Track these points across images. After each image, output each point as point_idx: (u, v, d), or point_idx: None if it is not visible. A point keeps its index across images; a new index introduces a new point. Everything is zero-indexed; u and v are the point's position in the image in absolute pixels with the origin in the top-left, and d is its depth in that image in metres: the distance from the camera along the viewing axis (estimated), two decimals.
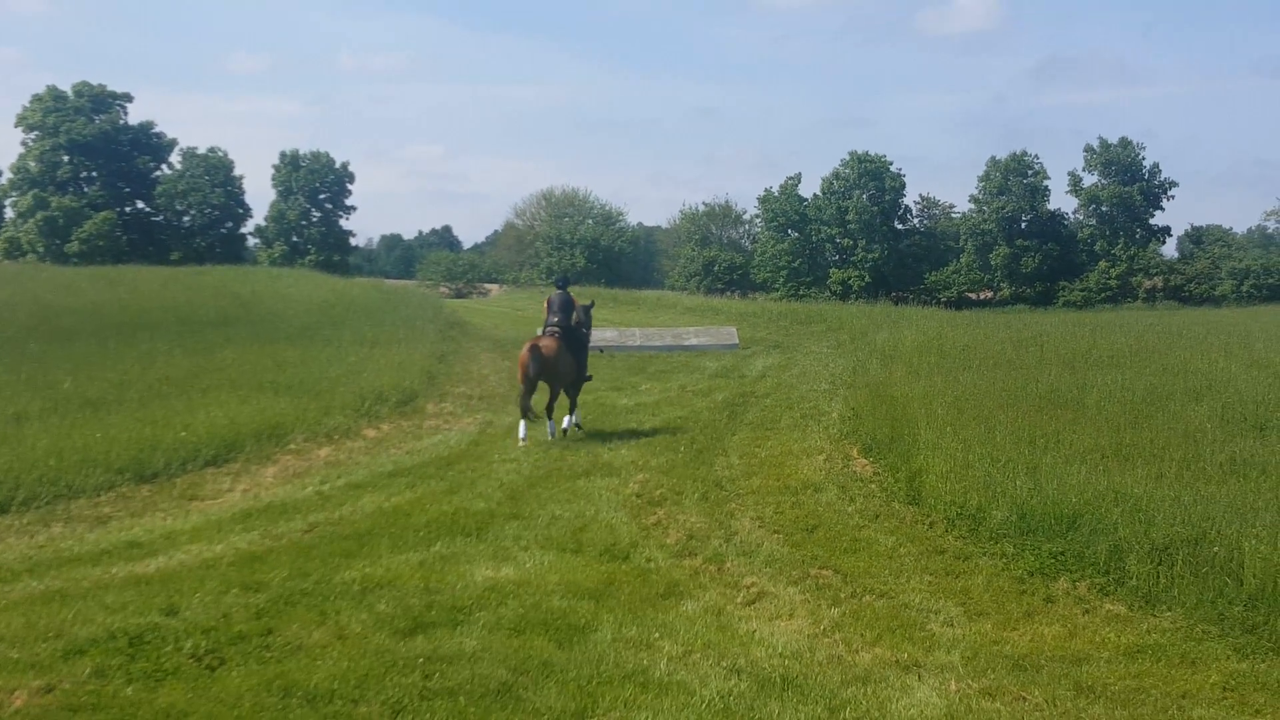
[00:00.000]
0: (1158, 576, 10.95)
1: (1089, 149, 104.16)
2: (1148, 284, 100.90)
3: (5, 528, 13.38)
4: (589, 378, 22.15)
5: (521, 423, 19.69)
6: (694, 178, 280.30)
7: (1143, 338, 29.13)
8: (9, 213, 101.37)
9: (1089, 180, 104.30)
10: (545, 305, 21.90)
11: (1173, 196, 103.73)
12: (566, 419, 20.60)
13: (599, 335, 35.93)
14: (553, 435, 20.01)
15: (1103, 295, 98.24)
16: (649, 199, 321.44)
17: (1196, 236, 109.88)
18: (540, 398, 20.30)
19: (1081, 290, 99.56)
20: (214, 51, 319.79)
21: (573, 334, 21.19)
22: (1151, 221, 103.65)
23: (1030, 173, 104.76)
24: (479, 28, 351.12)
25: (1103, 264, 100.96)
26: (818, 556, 12.44)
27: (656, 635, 9.69)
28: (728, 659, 9.18)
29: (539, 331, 21.18)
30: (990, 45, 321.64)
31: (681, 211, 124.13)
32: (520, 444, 19.30)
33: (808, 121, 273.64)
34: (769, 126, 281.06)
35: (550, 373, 20.02)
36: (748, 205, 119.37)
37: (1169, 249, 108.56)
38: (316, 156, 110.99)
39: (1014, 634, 10.05)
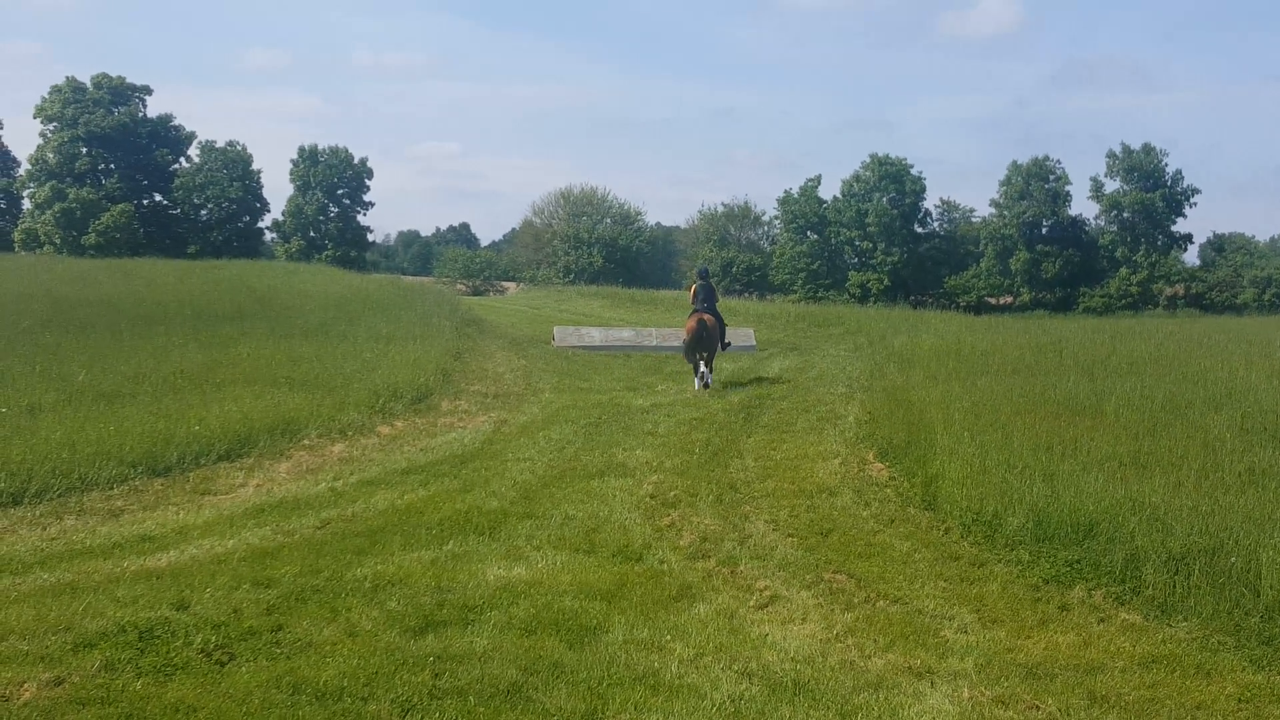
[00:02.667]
0: (1174, 586, 10.86)
1: (1111, 155, 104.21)
2: (1169, 291, 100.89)
3: (18, 519, 13.38)
4: (728, 345, 29.01)
5: (696, 377, 26.21)
6: (711, 179, 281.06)
7: (1163, 345, 29.01)
8: (26, 204, 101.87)
9: (1111, 186, 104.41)
10: (692, 294, 28.24)
11: (1195, 204, 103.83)
12: (702, 378, 26.10)
13: (618, 334, 35.98)
14: (709, 385, 25.95)
15: (1123, 302, 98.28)
16: (666, 199, 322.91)
17: (1218, 244, 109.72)
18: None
19: (1102, 296, 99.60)
20: (232, 46, 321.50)
21: (716, 314, 27.31)
22: (1173, 228, 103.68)
23: (1052, 178, 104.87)
24: (496, 26, 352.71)
25: (1124, 271, 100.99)
26: (831, 561, 12.37)
27: (668, 637, 9.65)
28: (739, 662, 9.13)
29: (695, 307, 27.17)
30: (1011, 49, 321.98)
31: (700, 212, 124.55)
32: (697, 390, 25.72)
33: (826, 124, 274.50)
34: (787, 128, 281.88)
35: (709, 340, 26.23)
36: (766, 207, 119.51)
37: (1191, 256, 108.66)
38: (335, 152, 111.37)
39: (1028, 642, 9.96)
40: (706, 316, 26.36)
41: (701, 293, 27.57)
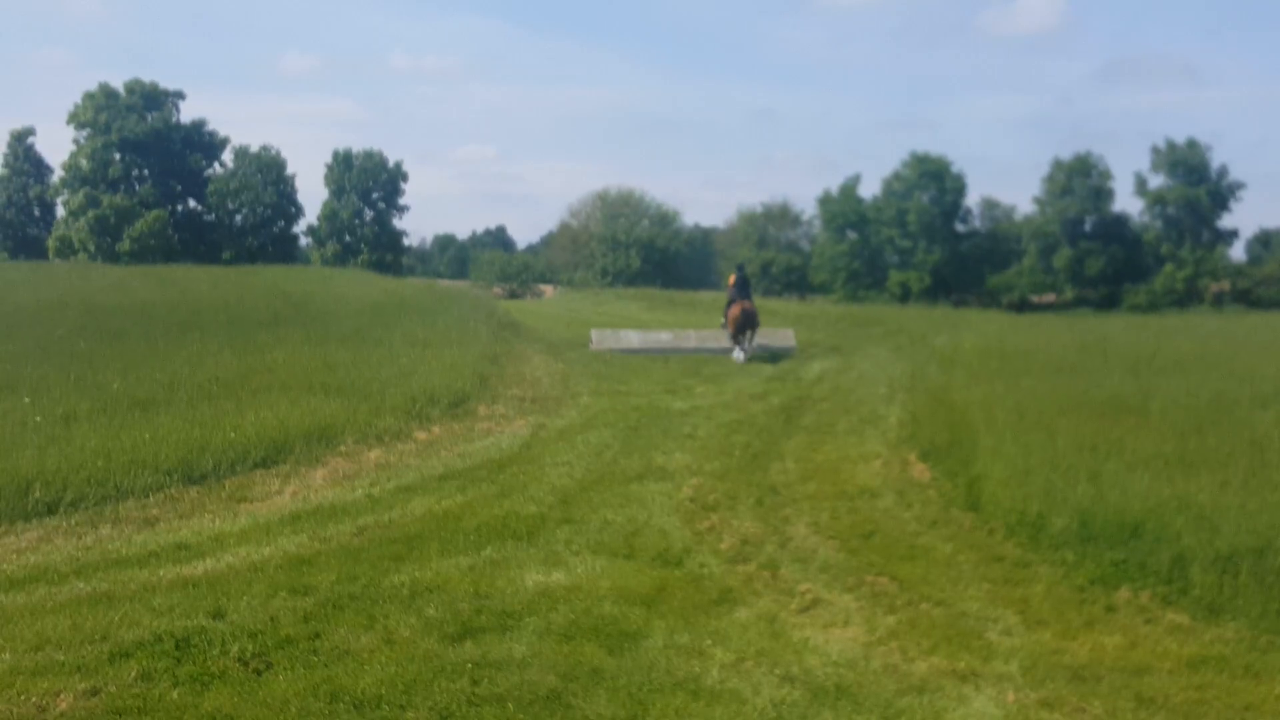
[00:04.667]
0: (1222, 586, 10.76)
1: (1155, 150, 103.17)
2: (1215, 287, 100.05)
3: (53, 529, 13.37)
4: (758, 324, 34.01)
5: (739, 352, 32.70)
6: (750, 180, 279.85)
7: (1209, 342, 28.80)
8: (60, 211, 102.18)
9: (1155, 182, 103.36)
10: (730, 284, 35.41)
11: (1241, 199, 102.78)
12: (743, 352, 32.75)
13: (656, 337, 35.92)
14: (745, 359, 32.38)
15: (1169, 299, 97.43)
16: (704, 200, 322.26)
17: (1266, 239, 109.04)
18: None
19: (1147, 293, 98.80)
20: (267, 51, 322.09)
21: (751, 301, 34.01)
22: (1219, 224, 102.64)
23: (1095, 174, 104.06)
24: (533, 28, 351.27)
25: (1169, 267, 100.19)
26: (874, 563, 12.29)
27: (709, 642, 9.59)
28: (781, 667, 9.08)
29: (734, 295, 34.29)
30: (1054, 46, 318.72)
31: (739, 212, 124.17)
32: (740, 361, 32.19)
33: (867, 123, 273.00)
34: (827, 128, 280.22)
35: (752, 323, 33.00)
36: (806, 207, 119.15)
37: (1237, 252, 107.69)
38: (369, 156, 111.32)
39: (1074, 644, 9.87)
40: (748, 305, 33.32)
41: (739, 284, 34.65)
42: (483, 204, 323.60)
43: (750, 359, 31.65)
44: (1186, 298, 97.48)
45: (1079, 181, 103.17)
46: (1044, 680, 8.98)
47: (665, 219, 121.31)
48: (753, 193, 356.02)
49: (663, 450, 18.64)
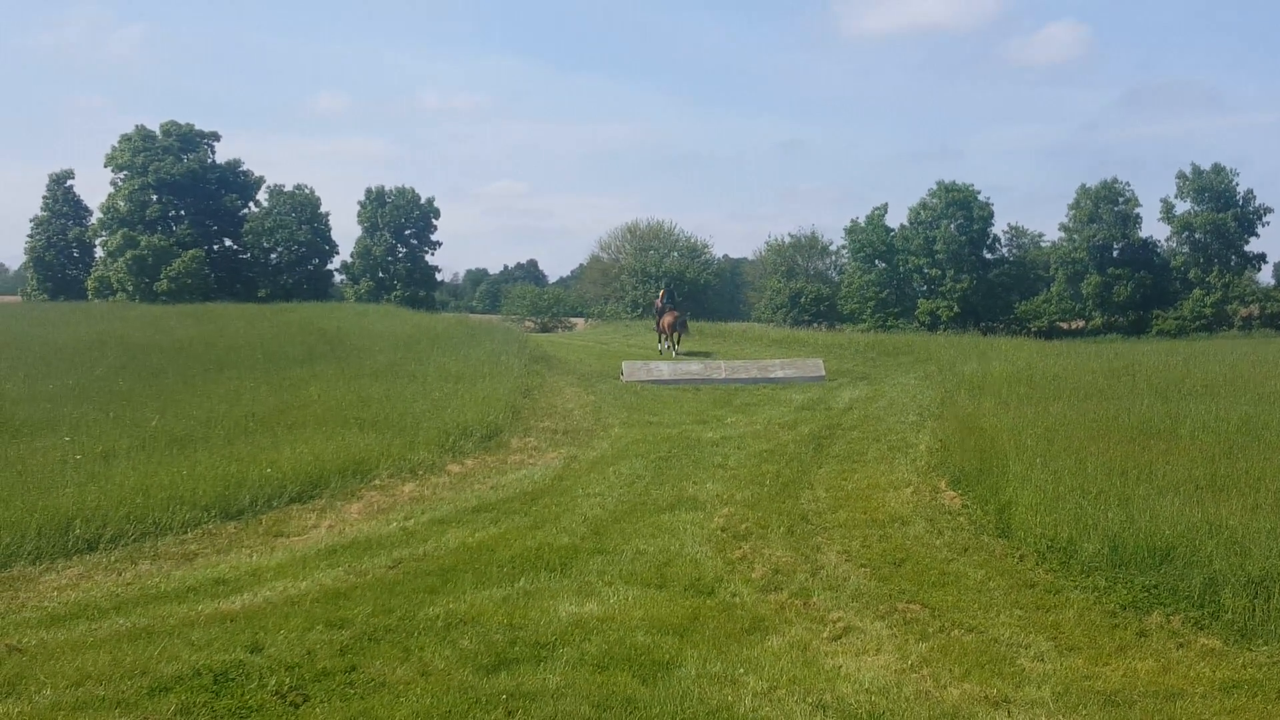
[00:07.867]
0: (1254, 610, 10.73)
1: (1181, 176, 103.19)
2: (1243, 312, 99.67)
3: (93, 565, 13.47)
4: (685, 325, 44.83)
5: (664, 346, 44.07)
6: (777, 212, 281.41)
7: (1237, 366, 28.62)
8: (99, 252, 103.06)
9: (1181, 207, 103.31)
10: (661, 295, 47.47)
11: (1268, 223, 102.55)
12: (670, 347, 43.69)
13: (686, 368, 35.94)
14: (677, 352, 42.61)
15: (1197, 324, 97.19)
16: (733, 232, 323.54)
17: None
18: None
19: (1175, 319, 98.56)
20: (300, 92, 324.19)
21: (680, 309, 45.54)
22: (1246, 248, 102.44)
23: (1121, 200, 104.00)
24: (562, 65, 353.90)
25: (1197, 292, 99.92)
26: (905, 590, 12.30)
27: (741, 671, 9.60)
28: (813, 695, 9.09)
29: (663, 307, 45.92)
30: (1078, 75, 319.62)
31: (767, 243, 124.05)
32: (664, 351, 44.06)
33: (892, 154, 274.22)
34: (854, 160, 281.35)
35: (680, 326, 43.85)
36: (833, 237, 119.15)
37: (1265, 276, 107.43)
38: (402, 193, 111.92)
39: (1106, 669, 9.86)
40: (677, 312, 44.74)
41: (668, 296, 47.29)
42: (514, 238, 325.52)
43: (781, 387, 32.42)
44: (1215, 322, 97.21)
45: (1105, 208, 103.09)
46: (1076, 706, 8.98)
47: (694, 251, 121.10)
48: (780, 224, 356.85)
49: (694, 480, 18.66)
